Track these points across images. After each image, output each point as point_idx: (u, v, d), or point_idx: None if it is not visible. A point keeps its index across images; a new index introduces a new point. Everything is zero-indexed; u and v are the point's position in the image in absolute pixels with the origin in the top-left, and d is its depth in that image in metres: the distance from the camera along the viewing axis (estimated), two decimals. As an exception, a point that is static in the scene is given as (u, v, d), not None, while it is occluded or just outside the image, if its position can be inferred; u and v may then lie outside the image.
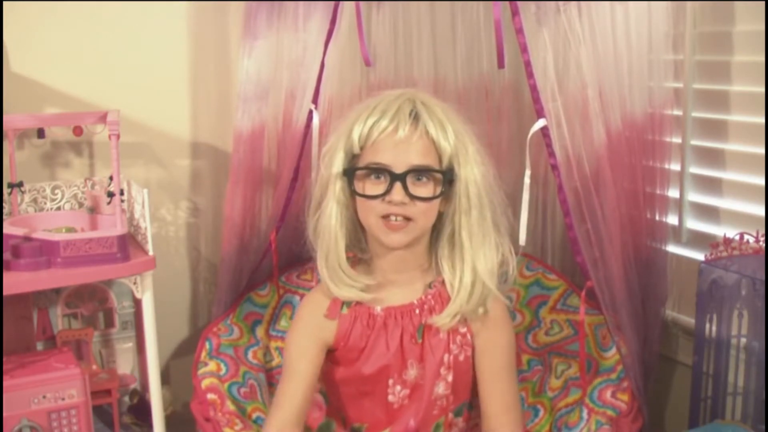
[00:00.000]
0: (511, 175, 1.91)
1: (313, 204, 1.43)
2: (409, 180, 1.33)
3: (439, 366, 1.41)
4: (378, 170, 1.35)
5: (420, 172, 1.34)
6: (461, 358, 1.43)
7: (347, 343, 1.42)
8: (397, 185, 1.33)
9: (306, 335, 1.43)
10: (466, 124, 1.40)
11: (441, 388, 1.42)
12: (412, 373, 1.42)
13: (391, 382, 1.42)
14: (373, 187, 1.36)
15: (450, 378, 1.42)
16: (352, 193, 1.39)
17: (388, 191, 1.34)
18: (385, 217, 1.36)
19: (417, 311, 1.42)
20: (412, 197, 1.34)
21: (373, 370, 1.41)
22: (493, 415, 1.41)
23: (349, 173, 1.38)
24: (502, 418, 1.40)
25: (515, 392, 1.45)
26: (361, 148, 1.37)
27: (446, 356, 1.41)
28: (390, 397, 1.43)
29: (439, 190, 1.36)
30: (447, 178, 1.36)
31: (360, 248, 1.46)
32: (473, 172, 1.37)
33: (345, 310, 1.43)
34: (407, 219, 1.36)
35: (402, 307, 1.42)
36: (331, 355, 1.45)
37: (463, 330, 1.42)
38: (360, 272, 1.43)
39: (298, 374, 1.40)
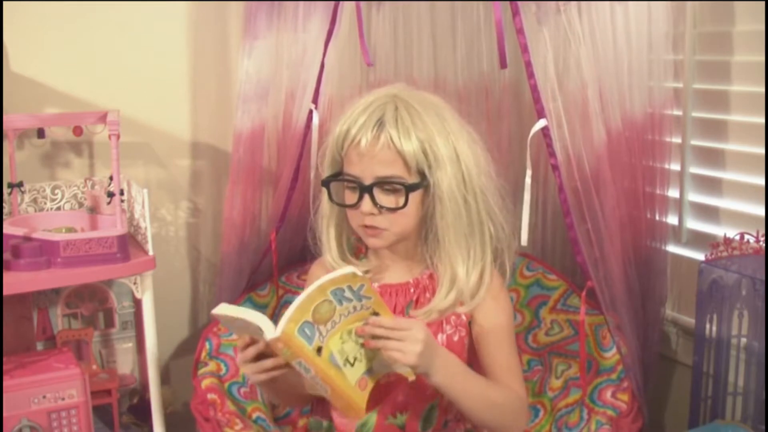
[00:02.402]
0: (511, 175, 1.91)
1: (317, 200, 1.50)
2: (376, 191, 1.35)
3: None
4: (351, 181, 1.38)
5: (385, 183, 1.35)
6: (455, 338, 1.43)
7: None
8: (366, 197, 1.36)
9: None
10: (446, 121, 1.38)
11: None
12: None
13: None
14: (349, 196, 1.40)
15: None
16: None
17: (358, 202, 1.37)
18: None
19: (412, 290, 1.45)
20: (380, 208, 1.36)
21: None
22: (494, 378, 1.42)
23: (326, 184, 1.42)
24: (503, 379, 1.41)
25: (516, 356, 1.46)
26: (341, 156, 1.40)
27: (440, 335, 1.42)
28: None
29: (402, 201, 1.36)
30: (409, 189, 1.35)
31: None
32: (446, 176, 1.35)
33: None
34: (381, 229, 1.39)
35: (398, 285, 1.46)
36: None
37: (458, 311, 1.44)
38: (366, 253, 1.50)
39: None
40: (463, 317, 1.45)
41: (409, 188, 1.35)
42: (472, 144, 1.40)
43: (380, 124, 1.35)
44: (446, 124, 1.38)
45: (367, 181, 1.35)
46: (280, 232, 1.76)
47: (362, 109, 1.37)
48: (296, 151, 1.73)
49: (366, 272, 1.47)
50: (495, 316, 1.43)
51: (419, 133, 1.35)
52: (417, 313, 1.43)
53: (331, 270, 1.49)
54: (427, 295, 1.45)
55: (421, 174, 1.36)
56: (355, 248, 1.51)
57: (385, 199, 1.36)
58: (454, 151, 1.37)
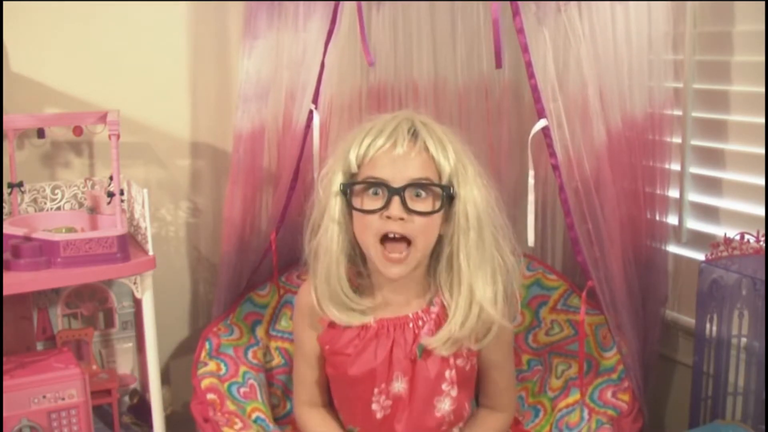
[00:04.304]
0: (512, 175, 1.91)
1: (311, 226, 1.41)
2: (407, 195, 1.31)
3: (438, 382, 1.38)
4: (376, 185, 1.33)
5: (419, 186, 1.32)
6: (467, 368, 1.41)
7: (333, 347, 1.42)
8: (396, 199, 1.30)
9: (304, 324, 1.47)
10: (466, 146, 1.38)
11: (447, 404, 1.40)
12: (396, 385, 1.39)
13: (376, 391, 1.39)
14: (371, 202, 1.33)
15: (454, 393, 1.40)
16: (350, 210, 1.36)
17: (386, 206, 1.31)
18: (384, 240, 1.33)
19: (411, 324, 1.39)
20: (411, 212, 1.31)
21: (358, 372, 1.39)
22: (490, 395, 1.45)
23: (347, 188, 1.35)
24: (500, 398, 1.45)
25: (513, 375, 1.49)
26: (359, 167, 1.35)
27: (447, 372, 1.38)
28: (373, 405, 1.40)
29: (438, 205, 1.32)
30: (446, 193, 1.32)
31: (359, 269, 1.44)
32: (473, 193, 1.34)
33: None
34: (406, 242, 1.32)
35: (396, 319, 1.40)
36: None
37: (472, 348, 1.40)
38: (360, 290, 1.42)
39: (305, 357, 1.49)
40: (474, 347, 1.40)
41: (446, 190, 1.32)
42: (480, 171, 1.38)
43: (414, 132, 1.33)
44: (467, 149, 1.38)
45: (398, 184, 1.31)
46: (280, 232, 1.76)
47: (387, 120, 1.35)
48: (296, 152, 1.72)
49: (363, 311, 1.40)
50: (500, 344, 1.41)
51: (452, 145, 1.34)
52: (433, 341, 1.36)
53: (336, 319, 1.39)
54: (427, 333, 1.38)
55: (449, 184, 1.34)
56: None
57: (415, 204, 1.32)
58: (474, 175, 1.36)
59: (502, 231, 1.38)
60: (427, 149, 1.32)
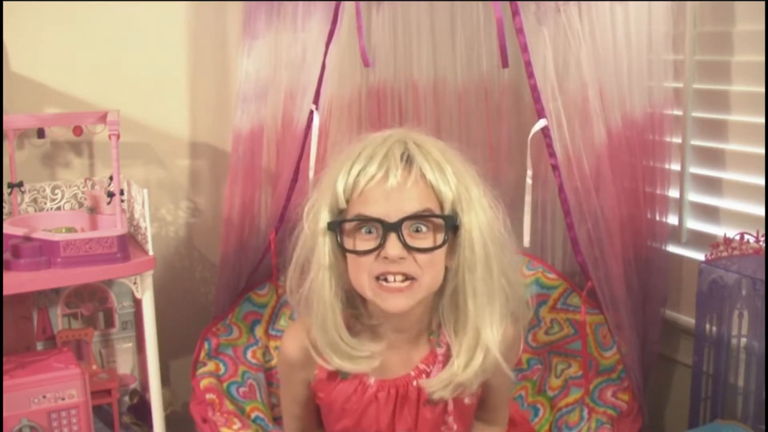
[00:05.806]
0: (511, 175, 1.91)
1: (296, 265, 1.27)
2: (405, 230, 1.15)
3: (437, 425, 1.29)
4: (368, 222, 1.17)
5: (417, 219, 1.16)
6: (471, 402, 1.31)
7: (328, 397, 1.29)
8: (392, 237, 1.15)
9: (293, 374, 1.32)
10: (468, 164, 1.22)
11: None
12: None
13: None
14: (364, 242, 1.17)
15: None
16: (342, 251, 1.20)
17: (381, 245, 1.15)
18: (381, 277, 1.17)
19: (414, 383, 1.27)
20: (411, 249, 1.15)
21: None
22: (488, 410, 1.38)
23: (335, 226, 1.19)
24: (497, 414, 1.40)
25: (510, 392, 1.44)
26: (347, 201, 1.18)
27: (445, 416, 1.28)
28: None
29: (441, 238, 1.17)
30: (449, 224, 1.17)
31: (355, 312, 1.28)
32: (477, 219, 1.18)
33: None
34: (410, 278, 1.17)
35: (396, 380, 1.27)
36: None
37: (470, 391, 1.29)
38: (360, 334, 1.27)
39: (294, 399, 1.34)
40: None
41: (449, 220, 1.17)
42: (486, 191, 1.23)
43: (407, 158, 1.18)
44: (468, 166, 1.23)
45: (394, 219, 1.15)
46: (279, 232, 1.76)
47: (378, 144, 1.19)
48: (296, 152, 1.73)
49: (368, 357, 1.24)
50: (502, 371, 1.26)
51: (452, 168, 1.19)
52: (431, 383, 1.24)
53: (338, 367, 1.24)
54: (433, 374, 1.26)
55: (452, 214, 1.19)
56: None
57: (415, 241, 1.16)
58: (479, 197, 1.21)
59: (510, 255, 1.23)
60: (424, 176, 1.17)
